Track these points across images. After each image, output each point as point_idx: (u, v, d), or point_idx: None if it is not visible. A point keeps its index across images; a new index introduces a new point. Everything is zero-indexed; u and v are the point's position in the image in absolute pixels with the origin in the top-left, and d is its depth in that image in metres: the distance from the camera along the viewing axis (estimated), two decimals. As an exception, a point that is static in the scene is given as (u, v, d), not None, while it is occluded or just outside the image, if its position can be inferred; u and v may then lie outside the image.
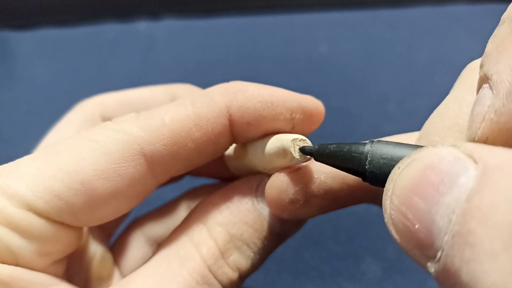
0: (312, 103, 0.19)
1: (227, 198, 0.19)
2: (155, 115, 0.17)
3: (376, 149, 0.15)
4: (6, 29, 0.52)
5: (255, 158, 0.19)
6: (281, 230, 0.19)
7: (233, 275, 0.18)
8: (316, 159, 0.17)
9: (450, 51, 0.47)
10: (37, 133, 0.25)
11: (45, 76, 0.48)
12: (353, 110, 0.42)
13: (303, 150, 0.17)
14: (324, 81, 0.45)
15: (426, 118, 0.17)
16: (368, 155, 0.15)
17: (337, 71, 0.46)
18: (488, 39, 0.14)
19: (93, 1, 0.53)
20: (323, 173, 0.18)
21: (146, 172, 0.17)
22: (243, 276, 0.19)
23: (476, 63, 0.17)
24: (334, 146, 0.16)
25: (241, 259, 0.18)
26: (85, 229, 0.21)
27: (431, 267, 0.11)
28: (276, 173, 0.18)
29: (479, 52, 0.15)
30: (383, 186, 0.13)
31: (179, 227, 0.19)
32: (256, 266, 0.19)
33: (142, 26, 0.52)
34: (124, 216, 0.25)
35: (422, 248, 0.11)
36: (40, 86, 0.47)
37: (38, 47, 0.51)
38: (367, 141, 0.15)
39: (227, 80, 0.19)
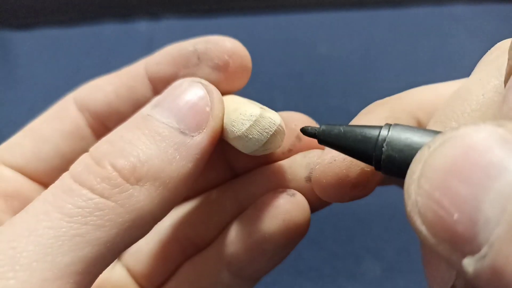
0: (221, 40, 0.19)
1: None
2: None
3: (395, 131, 0.13)
4: (6, 29, 0.52)
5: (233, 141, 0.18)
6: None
7: None
8: (320, 142, 0.15)
9: (450, 51, 0.47)
10: (37, 133, 0.25)
11: (45, 76, 0.48)
12: (353, 110, 0.42)
13: (305, 131, 0.16)
14: (324, 81, 0.45)
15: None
16: (387, 138, 0.13)
17: (337, 71, 0.46)
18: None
19: (93, 1, 0.53)
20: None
21: None
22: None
23: (504, 43, 0.15)
24: (343, 127, 0.14)
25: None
26: None
27: (469, 265, 0.09)
28: (329, 158, 0.16)
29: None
30: (400, 175, 0.12)
31: None
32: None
33: (142, 26, 0.52)
34: None
35: (459, 242, 0.10)
36: (40, 86, 0.47)
37: (38, 47, 0.51)
38: (382, 125, 0.13)
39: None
